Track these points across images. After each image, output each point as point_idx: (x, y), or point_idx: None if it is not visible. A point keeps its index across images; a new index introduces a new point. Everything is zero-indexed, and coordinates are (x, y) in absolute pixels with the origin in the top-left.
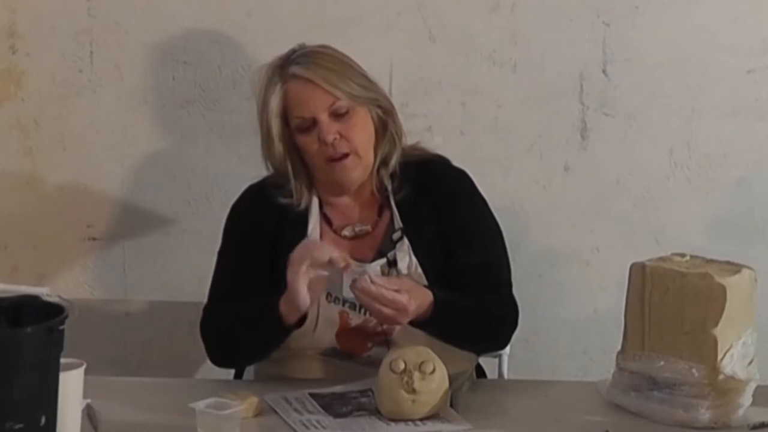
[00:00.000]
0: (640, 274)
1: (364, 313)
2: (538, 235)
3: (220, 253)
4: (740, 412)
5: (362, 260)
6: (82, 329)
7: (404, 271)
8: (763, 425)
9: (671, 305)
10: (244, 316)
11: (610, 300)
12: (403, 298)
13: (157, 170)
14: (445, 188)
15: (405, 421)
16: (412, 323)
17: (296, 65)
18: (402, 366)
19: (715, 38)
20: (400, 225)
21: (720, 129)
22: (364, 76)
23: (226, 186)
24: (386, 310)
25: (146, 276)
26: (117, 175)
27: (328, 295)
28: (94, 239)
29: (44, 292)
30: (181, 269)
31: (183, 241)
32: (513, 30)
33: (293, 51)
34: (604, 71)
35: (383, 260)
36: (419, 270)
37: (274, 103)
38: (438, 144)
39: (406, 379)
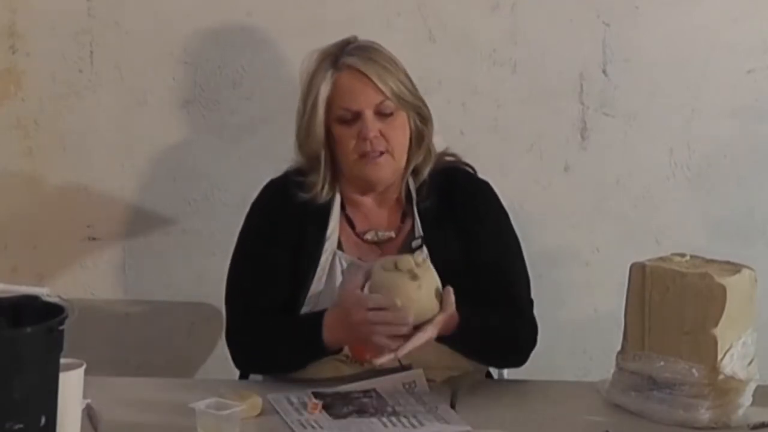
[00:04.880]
0: (640, 274)
1: None
2: (538, 235)
3: (240, 256)
4: (740, 412)
5: None
6: (82, 329)
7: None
8: (763, 425)
9: (671, 305)
10: (283, 336)
11: (610, 300)
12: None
13: (157, 170)
14: (469, 201)
15: (403, 423)
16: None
17: (352, 56)
18: (393, 263)
19: (715, 38)
20: (421, 233)
21: (720, 129)
22: (411, 82)
23: (226, 186)
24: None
25: (146, 276)
26: (117, 175)
27: None
28: (94, 239)
29: (44, 292)
30: (181, 269)
31: (183, 241)
32: (513, 30)
33: (348, 42)
34: (604, 71)
35: None
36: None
37: (325, 89)
38: (438, 144)
39: (404, 267)
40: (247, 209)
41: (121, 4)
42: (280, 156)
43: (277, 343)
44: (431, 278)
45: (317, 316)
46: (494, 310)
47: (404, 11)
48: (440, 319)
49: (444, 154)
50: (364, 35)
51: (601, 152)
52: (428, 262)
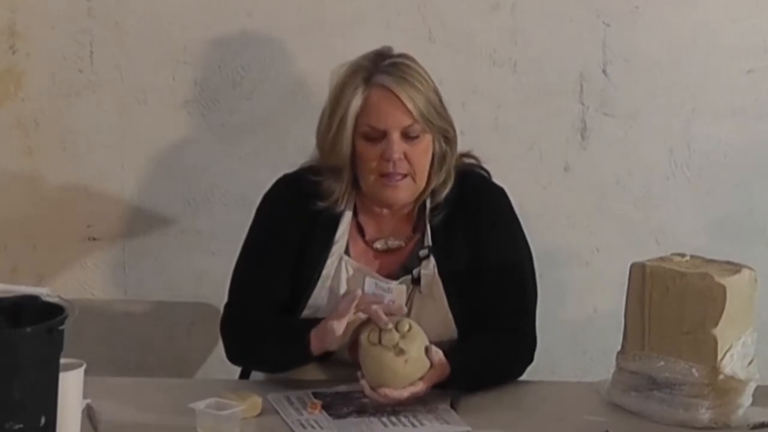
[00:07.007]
0: (640, 274)
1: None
2: (538, 235)
3: (248, 249)
4: (740, 412)
5: (387, 274)
6: (82, 329)
7: (425, 289)
8: (763, 425)
9: (671, 305)
10: (271, 335)
11: (610, 300)
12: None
13: (157, 170)
14: (479, 208)
15: (403, 422)
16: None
17: (385, 74)
18: (378, 335)
19: (715, 38)
20: (429, 243)
21: (720, 129)
22: (441, 101)
23: (226, 186)
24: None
25: (146, 276)
26: (117, 175)
27: None
28: (94, 239)
29: (44, 292)
30: (181, 269)
31: (183, 241)
32: (513, 30)
33: (382, 56)
34: (604, 71)
35: (408, 277)
36: (441, 289)
37: (355, 105)
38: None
39: (388, 343)
40: (246, 209)
41: (121, 4)
42: (279, 156)
43: (264, 341)
44: (419, 342)
45: (308, 324)
46: (492, 336)
47: (404, 11)
48: (429, 376)
49: (463, 155)
50: (364, 35)
51: (601, 152)
52: (415, 326)
